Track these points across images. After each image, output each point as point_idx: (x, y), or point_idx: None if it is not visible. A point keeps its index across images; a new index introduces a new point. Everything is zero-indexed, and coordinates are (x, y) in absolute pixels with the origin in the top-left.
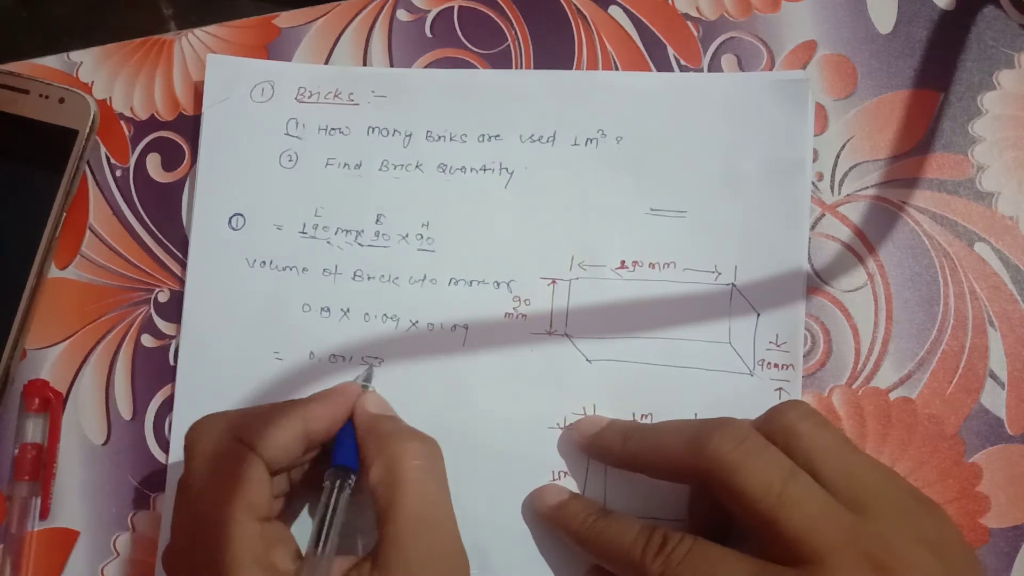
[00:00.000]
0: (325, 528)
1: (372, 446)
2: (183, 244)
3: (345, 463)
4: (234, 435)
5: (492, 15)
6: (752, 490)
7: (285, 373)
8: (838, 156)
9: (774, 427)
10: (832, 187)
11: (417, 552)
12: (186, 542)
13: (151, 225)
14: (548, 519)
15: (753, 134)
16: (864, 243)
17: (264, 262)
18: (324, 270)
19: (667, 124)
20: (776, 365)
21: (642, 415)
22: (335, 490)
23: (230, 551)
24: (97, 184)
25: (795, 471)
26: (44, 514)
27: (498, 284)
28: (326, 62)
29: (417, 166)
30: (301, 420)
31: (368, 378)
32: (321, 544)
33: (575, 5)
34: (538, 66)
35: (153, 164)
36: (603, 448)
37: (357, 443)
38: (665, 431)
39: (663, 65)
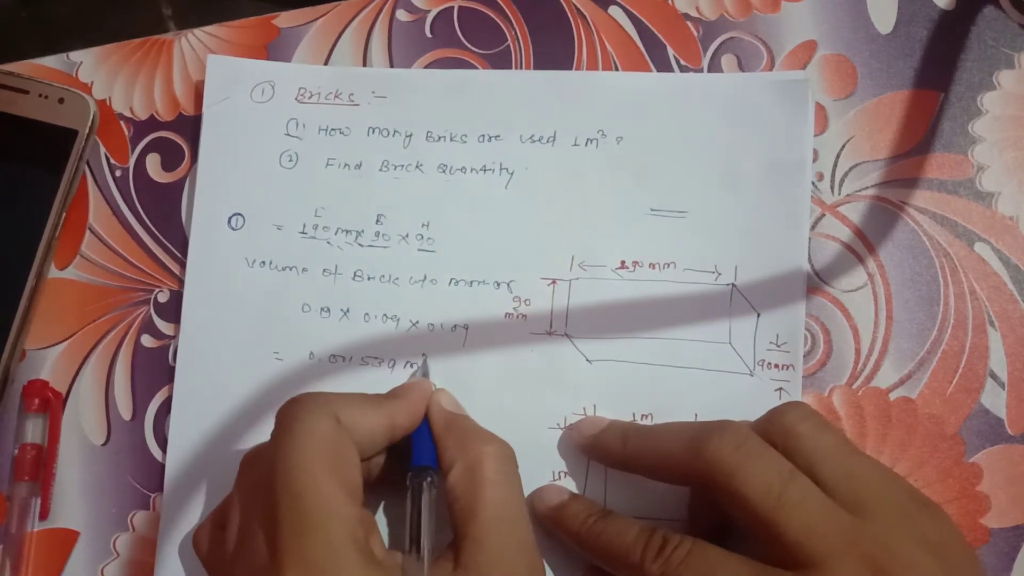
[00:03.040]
0: (422, 529)
1: (452, 446)
2: (183, 244)
3: (428, 463)
4: (332, 414)
5: (492, 15)
6: (751, 493)
7: (285, 373)
8: (838, 156)
9: (774, 428)
10: (832, 187)
11: (499, 551)
12: (253, 518)
13: (151, 225)
14: (548, 520)
15: (753, 134)
16: (864, 243)
17: (264, 262)
18: (324, 270)
19: (667, 124)
20: (776, 365)
21: (642, 415)
22: (423, 490)
23: (329, 531)
24: (97, 184)
25: (794, 473)
26: (44, 514)
27: (498, 284)
28: (326, 62)
29: (417, 166)
30: (388, 413)
31: (426, 372)
32: (421, 546)
33: (575, 5)
34: (538, 66)
35: (153, 164)
36: (603, 449)
37: (434, 442)
38: (664, 433)
39: (663, 65)
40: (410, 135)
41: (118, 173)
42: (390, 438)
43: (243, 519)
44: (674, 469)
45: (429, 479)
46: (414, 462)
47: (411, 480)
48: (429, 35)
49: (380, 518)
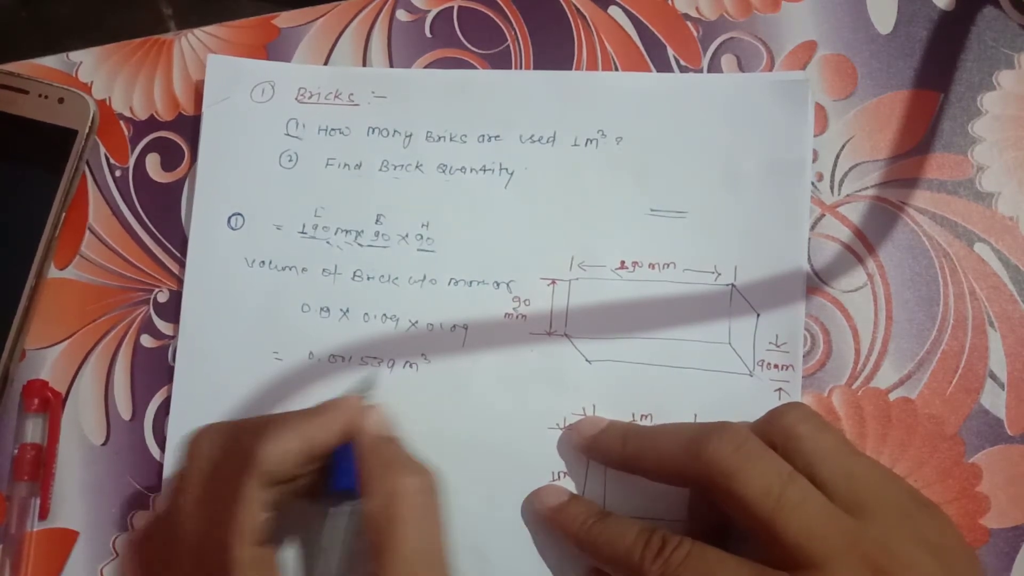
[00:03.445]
0: (327, 559)
1: (371, 474)
2: (182, 244)
3: (347, 487)
4: (235, 447)
5: (492, 15)
6: (750, 495)
7: (284, 373)
8: (838, 156)
9: (773, 430)
10: (832, 187)
11: None
12: (170, 546)
13: (150, 225)
14: (547, 521)
15: (753, 135)
16: (864, 243)
17: (263, 262)
18: (324, 270)
19: (667, 125)
20: (776, 366)
21: (642, 415)
22: (335, 516)
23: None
24: (96, 184)
25: (793, 475)
26: (43, 514)
27: (498, 284)
28: (326, 62)
29: (417, 166)
30: (302, 434)
31: (369, 387)
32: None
33: (575, 5)
34: (538, 66)
35: (152, 164)
36: (602, 450)
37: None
38: (664, 434)
39: (663, 65)
40: (410, 135)
41: (118, 173)
42: (309, 456)
43: (161, 542)
44: (673, 470)
45: (348, 506)
46: (333, 486)
47: (325, 504)
48: (429, 35)
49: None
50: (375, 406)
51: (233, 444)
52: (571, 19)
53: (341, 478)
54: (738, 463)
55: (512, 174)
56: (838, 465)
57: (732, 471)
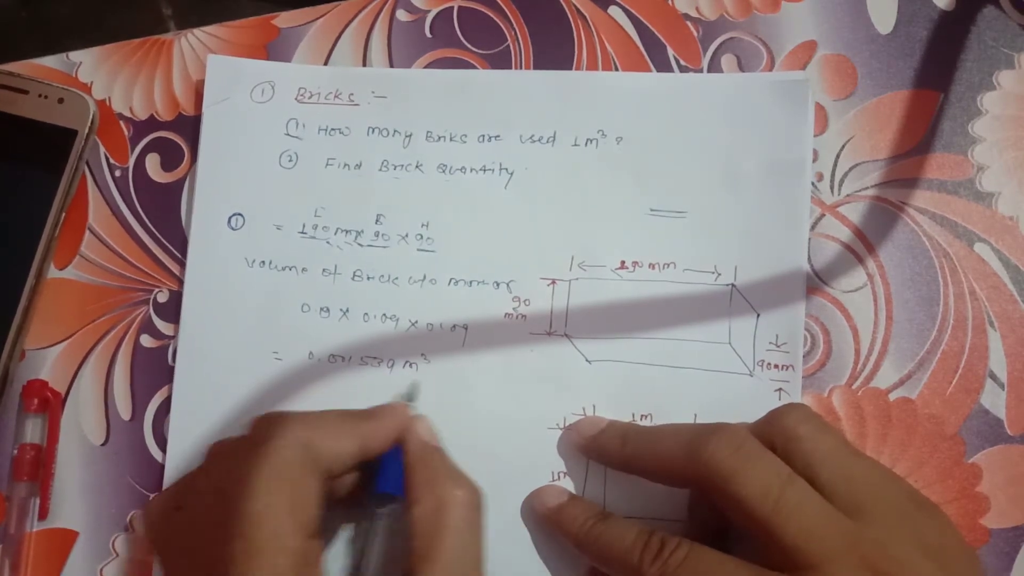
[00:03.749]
0: (367, 557)
1: (421, 481)
2: (182, 244)
3: (392, 491)
4: (302, 441)
5: (492, 15)
6: (748, 496)
7: (284, 373)
8: (838, 156)
9: (773, 431)
10: (832, 187)
11: None
12: (210, 520)
13: (150, 225)
14: (547, 521)
15: (753, 135)
16: (864, 243)
17: (263, 262)
18: (323, 270)
19: (667, 125)
20: (776, 366)
21: (641, 415)
22: (375, 518)
23: (275, 562)
24: (96, 184)
25: (792, 477)
26: (43, 514)
27: (498, 284)
28: (326, 62)
29: (417, 166)
30: (360, 436)
31: (413, 397)
32: (359, 572)
33: (575, 5)
34: (538, 66)
35: (152, 164)
36: (602, 450)
37: (404, 470)
38: (663, 435)
39: (663, 65)
40: (410, 135)
41: (118, 173)
42: (361, 459)
43: (203, 515)
44: (672, 471)
45: (389, 508)
46: (378, 488)
47: (370, 505)
48: (429, 35)
49: (343, 536)
50: (422, 415)
51: (293, 435)
52: (571, 19)
53: (387, 481)
54: (736, 464)
55: (512, 174)
56: (838, 467)
57: (731, 473)
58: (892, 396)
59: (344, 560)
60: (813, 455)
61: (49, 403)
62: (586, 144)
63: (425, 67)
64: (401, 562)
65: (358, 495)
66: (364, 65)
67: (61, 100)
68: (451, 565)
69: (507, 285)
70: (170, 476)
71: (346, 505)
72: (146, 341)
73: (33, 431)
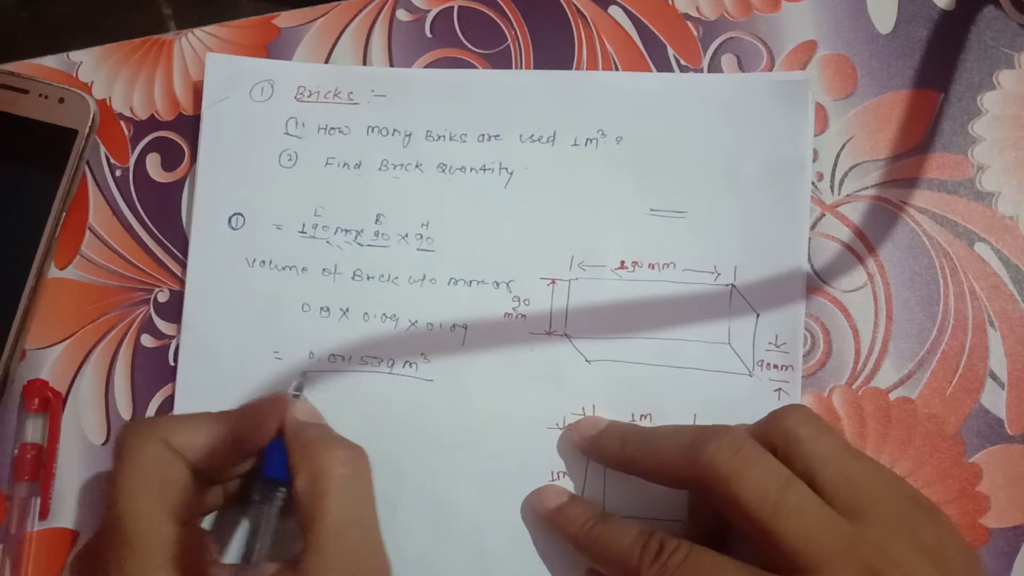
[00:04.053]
0: (253, 541)
1: (298, 455)
2: (183, 244)
3: (274, 475)
4: (159, 438)
5: (492, 15)
6: (748, 499)
7: (285, 373)
8: (838, 156)
9: (773, 432)
10: (832, 187)
11: (339, 558)
12: (100, 544)
13: (151, 225)
14: (547, 521)
15: (753, 135)
16: (864, 243)
17: (264, 262)
18: (324, 270)
19: (667, 124)
20: (776, 366)
21: (641, 415)
22: (263, 503)
23: (144, 550)
24: (97, 184)
25: (791, 480)
26: (44, 514)
27: (497, 284)
28: (326, 62)
29: (417, 166)
30: (228, 427)
31: (300, 388)
32: (249, 557)
33: (575, 5)
34: (538, 66)
35: (153, 164)
36: (601, 451)
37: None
38: (662, 437)
39: (663, 65)
40: (410, 134)
41: (118, 173)
42: (236, 452)
43: (97, 544)
44: (672, 473)
45: (278, 492)
46: (262, 474)
47: (257, 492)
48: (429, 35)
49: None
50: (303, 399)
51: (148, 434)
52: (571, 19)
53: (271, 468)
54: (735, 467)
55: (512, 174)
56: (838, 469)
57: (729, 475)
58: (892, 396)
59: (238, 551)
60: (814, 457)
61: (50, 403)
62: (586, 144)
63: (425, 67)
64: (294, 541)
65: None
66: (364, 65)
67: (61, 100)
68: (337, 525)
69: (507, 285)
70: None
71: (243, 501)
72: (147, 341)
73: (34, 431)
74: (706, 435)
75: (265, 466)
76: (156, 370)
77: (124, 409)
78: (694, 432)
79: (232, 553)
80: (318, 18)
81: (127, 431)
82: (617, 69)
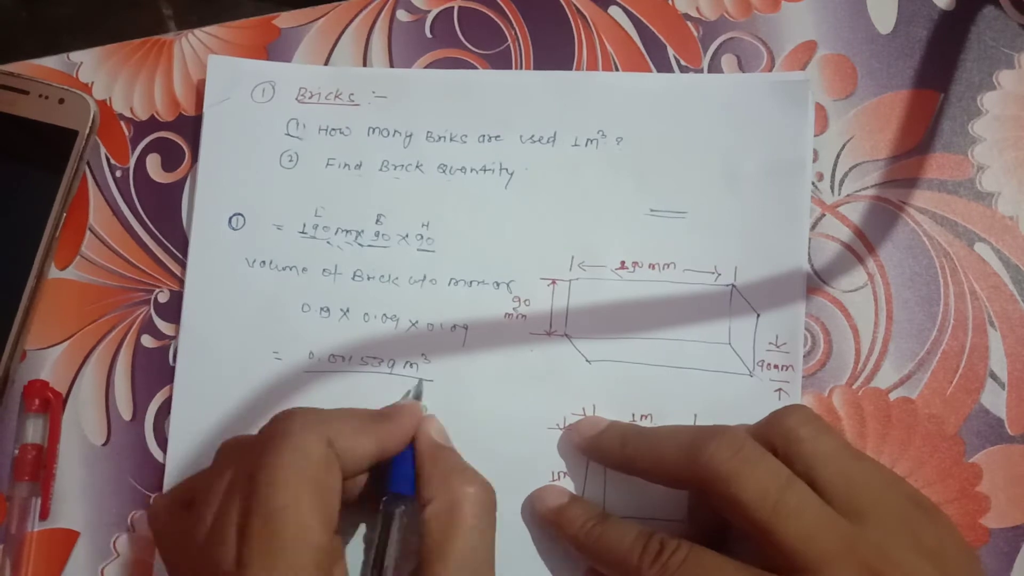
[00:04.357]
0: (385, 559)
1: (434, 479)
2: (183, 244)
3: (405, 491)
4: (326, 437)
5: (492, 15)
6: (748, 500)
7: (284, 373)
8: (838, 156)
9: (774, 432)
10: (832, 187)
11: None
12: (227, 516)
13: (151, 225)
14: (546, 522)
15: (753, 135)
16: (864, 243)
17: (264, 262)
18: (324, 270)
19: (667, 125)
20: (776, 366)
21: (641, 416)
22: (393, 519)
23: (298, 557)
24: (97, 184)
25: (791, 480)
26: (44, 515)
27: (498, 284)
28: (326, 62)
29: (417, 166)
30: (378, 437)
31: (419, 395)
32: (377, 571)
33: (575, 5)
34: (538, 66)
35: (153, 164)
36: (601, 451)
37: (415, 470)
38: (662, 437)
39: (663, 65)
40: (410, 135)
41: (118, 173)
42: (378, 459)
43: (216, 512)
44: (672, 474)
45: (403, 507)
46: (391, 487)
47: (384, 505)
48: (429, 35)
49: (357, 537)
50: (433, 415)
51: (316, 432)
52: (571, 19)
53: (400, 481)
54: (735, 467)
55: (512, 174)
56: (838, 469)
57: (729, 475)
58: (892, 396)
59: (359, 560)
60: (814, 457)
61: (50, 403)
62: (586, 144)
63: (425, 67)
64: (412, 561)
65: (368, 495)
66: (364, 65)
67: (62, 100)
68: (462, 563)
69: (507, 285)
70: (171, 476)
71: (356, 505)
72: (147, 341)
73: (34, 431)
74: (706, 435)
75: (394, 478)
76: (156, 370)
77: (124, 409)
78: (694, 432)
79: (352, 566)
80: (318, 18)
81: (294, 421)
82: (617, 69)
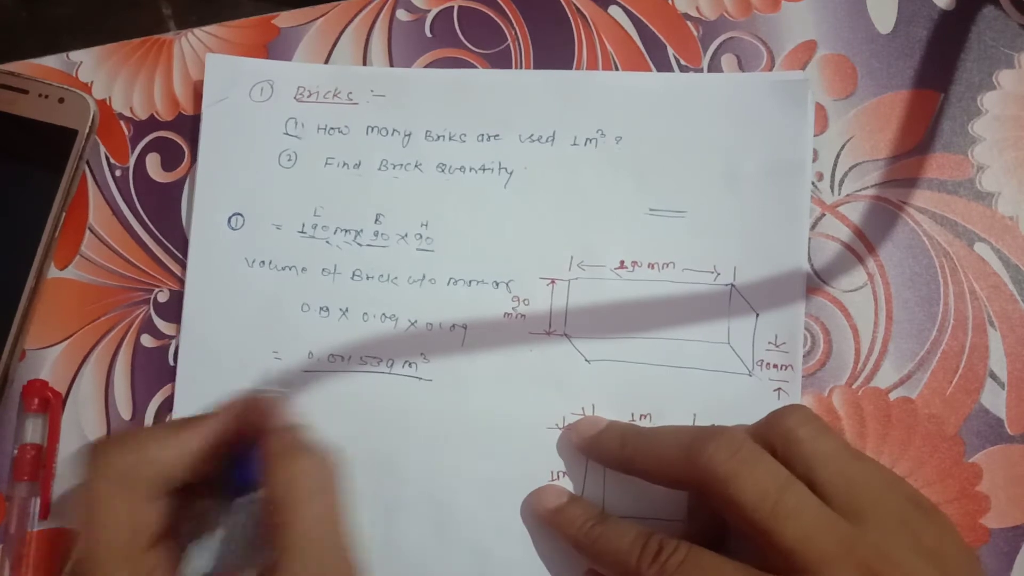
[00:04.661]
0: (228, 548)
1: (271, 461)
2: (183, 244)
3: (249, 480)
4: (121, 469)
5: (492, 15)
6: (746, 501)
7: (284, 373)
8: (838, 156)
9: (773, 433)
10: (832, 187)
11: (304, 572)
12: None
13: (151, 225)
14: (546, 522)
15: (753, 135)
16: (864, 243)
17: (263, 262)
18: (323, 270)
19: (667, 124)
20: (775, 365)
21: (641, 415)
22: (237, 508)
23: None
24: (97, 184)
25: (790, 481)
26: (44, 514)
27: (497, 284)
28: (326, 62)
29: (416, 166)
30: (200, 434)
31: (274, 385)
32: (219, 567)
33: (575, 5)
34: (538, 66)
35: (153, 164)
36: (600, 451)
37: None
38: (661, 438)
39: (663, 65)
40: (409, 134)
41: (118, 173)
42: (214, 455)
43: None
44: (671, 474)
45: (248, 496)
46: (236, 479)
47: (228, 497)
48: (429, 35)
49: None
50: (276, 399)
51: (106, 467)
52: (571, 19)
53: (243, 472)
54: (734, 468)
55: (511, 174)
56: (837, 469)
57: (728, 477)
58: (892, 396)
59: (209, 554)
60: (813, 458)
61: (49, 403)
62: (585, 144)
63: (425, 67)
64: (266, 547)
65: (222, 489)
66: (364, 65)
67: (61, 100)
68: (305, 533)
69: (506, 285)
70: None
71: (212, 501)
72: (146, 341)
73: (34, 431)
74: (705, 436)
75: (236, 470)
76: (156, 370)
77: (124, 409)
78: (693, 433)
79: (201, 562)
80: (318, 18)
81: (87, 460)
82: (617, 69)
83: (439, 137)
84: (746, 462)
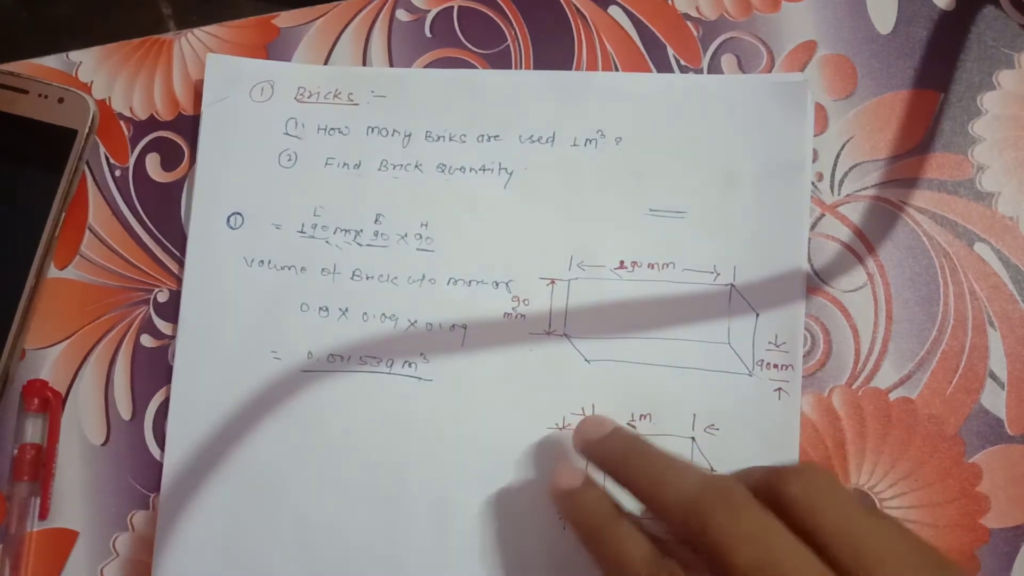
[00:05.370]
0: None
1: None
2: (182, 244)
3: None
4: None
5: (492, 15)
6: (746, 570)
7: (283, 373)
8: (838, 156)
9: (780, 493)
10: (832, 187)
11: None
12: None
13: (150, 225)
14: (556, 503)
15: (752, 135)
16: (864, 243)
17: (263, 262)
18: (323, 270)
19: (667, 125)
20: (775, 365)
21: (641, 415)
22: None
23: None
24: (96, 184)
25: (794, 551)
26: (43, 514)
27: (497, 284)
28: (326, 62)
29: (416, 166)
30: None
31: None
32: None
33: (575, 5)
34: (538, 66)
35: (152, 164)
36: (601, 459)
37: None
38: (666, 476)
39: (663, 65)
40: (409, 135)
41: (118, 173)
42: None
43: None
44: (667, 520)
45: None
46: None
47: None
48: (429, 35)
49: None
50: None
51: None
52: (571, 19)
53: None
54: (733, 544)
55: (511, 174)
56: (847, 533)
57: (730, 547)
58: (892, 396)
59: None
60: (822, 522)
61: (49, 403)
62: (585, 144)
63: (425, 67)
64: None
65: None
66: (364, 65)
67: (61, 100)
68: None
69: (506, 285)
70: (169, 476)
71: None
72: (146, 341)
73: (33, 431)
74: (711, 494)
75: None
76: (156, 370)
77: (124, 409)
78: (699, 486)
79: None
80: (318, 18)
81: None
82: (617, 69)
83: (439, 137)
84: (752, 536)
